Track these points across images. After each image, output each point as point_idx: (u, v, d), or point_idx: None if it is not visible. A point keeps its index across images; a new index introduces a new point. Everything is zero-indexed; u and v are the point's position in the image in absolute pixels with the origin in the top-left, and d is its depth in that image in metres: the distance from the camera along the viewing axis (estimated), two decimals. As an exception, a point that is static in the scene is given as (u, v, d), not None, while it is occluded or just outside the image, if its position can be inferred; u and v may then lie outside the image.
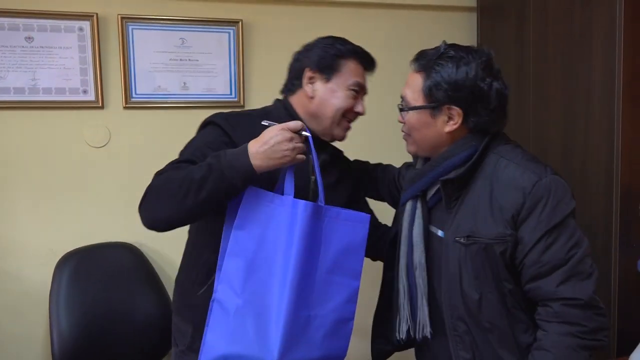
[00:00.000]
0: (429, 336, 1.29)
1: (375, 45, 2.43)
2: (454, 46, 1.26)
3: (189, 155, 1.29)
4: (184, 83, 2.22)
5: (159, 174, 1.27)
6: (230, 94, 2.28)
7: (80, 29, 2.08)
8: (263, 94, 2.33)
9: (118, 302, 1.96)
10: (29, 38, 2.04)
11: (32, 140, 2.09)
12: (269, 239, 1.24)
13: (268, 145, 1.19)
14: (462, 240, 1.21)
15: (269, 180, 1.28)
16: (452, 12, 2.54)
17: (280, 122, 1.29)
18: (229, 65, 2.26)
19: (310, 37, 2.35)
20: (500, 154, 1.23)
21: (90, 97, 2.12)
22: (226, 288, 1.24)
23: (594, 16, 1.87)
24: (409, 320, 1.32)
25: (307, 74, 1.42)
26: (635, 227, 1.82)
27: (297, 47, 2.34)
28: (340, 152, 1.63)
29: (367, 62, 1.44)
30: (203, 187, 1.17)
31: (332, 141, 1.47)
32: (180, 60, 2.20)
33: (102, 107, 2.13)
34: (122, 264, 2.03)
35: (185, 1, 2.20)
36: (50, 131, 2.09)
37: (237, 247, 1.25)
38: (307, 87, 1.42)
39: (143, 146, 2.17)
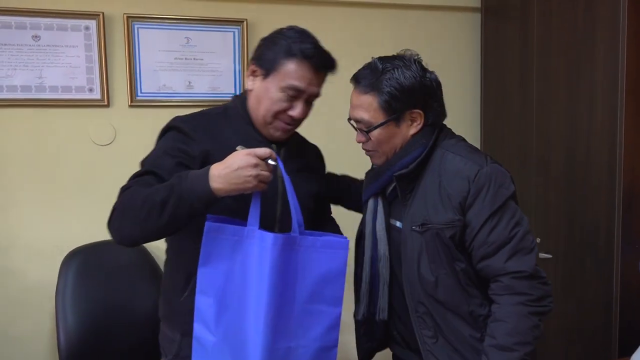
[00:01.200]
0: (385, 319, 1.42)
1: (379, 45, 2.46)
2: (384, 58, 1.36)
3: (150, 166, 1.27)
4: (189, 82, 2.24)
5: (124, 190, 1.24)
6: (235, 93, 2.29)
7: (87, 28, 2.10)
8: (267, 93, 2.35)
9: (123, 299, 1.97)
10: (36, 37, 2.06)
11: (38, 138, 2.10)
12: (237, 273, 1.22)
13: (230, 169, 1.15)
14: (417, 228, 1.32)
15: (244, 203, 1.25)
16: (456, 13, 2.54)
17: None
18: (234, 64, 2.27)
19: (315, 36, 2.37)
20: (445, 148, 1.35)
21: (96, 95, 2.13)
22: (201, 326, 1.25)
23: (597, 17, 1.88)
24: (367, 307, 1.45)
25: (251, 66, 1.38)
26: (638, 227, 1.83)
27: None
28: (307, 144, 1.59)
29: (318, 64, 1.34)
30: (164, 210, 1.15)
31: (275, 141, 1.40)
32: (185, 59, 2.21)
33: (107, 106, 2.15)
34: (127, 261, 2.04)
35: (191, 1, 2.21)
36: (56, 129, 2.11)
37: (204, 285, 1.24)
38: (248, 80, 1.38)
39: (148, 144, 2.15)
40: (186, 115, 1.38)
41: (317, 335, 1.24)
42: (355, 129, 1.40)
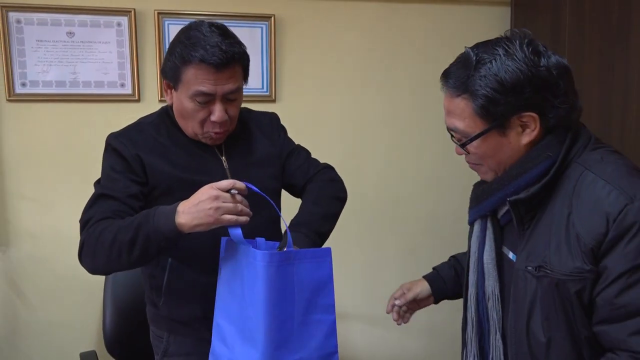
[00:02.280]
0: None
1: (407, 41, 2.45)
2: (480, 47, 1.05)
3: (104, 189, 1.28)
4: (217, 77, 2.26)
5: (85, 223, 1.26)
6: (262, 89, 2.31)
7: (119, 24, 2.14)
8: (294, 88, 2.36)
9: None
10: (70, 33, 2.11)
11: (72, 132, 2.16)
12: (245, 294, 1.23)
13: (192, 204, 1.13)
14: (532, 270, 1.02)
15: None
16: (485, 7, 2.51)
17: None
18: (261, 60, 2.29)
19: (342, 32, 2.38)
20: (586, 165, 1.01)
21: (127, 90, 2.18)
22: (218, 342, 1.28)
23: (633, 11, 1.83)
24: (476, 357, 1.18)
25: (164, 82, 1.35)
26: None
27: (328, 42, 2.37)
28: (252, 123, 1.49)
29: (216, 63, 1.23)
30: (134, 249, 1.16)
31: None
32: (214, 54, 2.24)
33: (138, 100, 2.20)
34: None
35: (219, -3, 2.24)
36: (88, 123, 2.17)
37: (220, 302, 1.28)
38: (167, 96, 1.35)
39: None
40: (119, 131, 1.37)
41: (317, 344, 1.25)
42: (454, 141, 1.12)
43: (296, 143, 1.57)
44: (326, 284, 1.26)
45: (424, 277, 1.40)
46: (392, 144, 2.47)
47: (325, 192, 1.46)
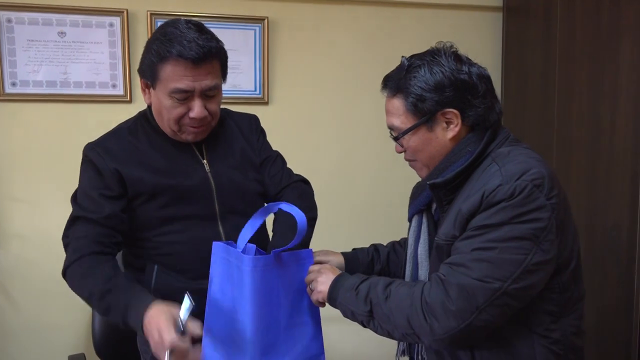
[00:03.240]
0: (426, 358, 1.26)
1: (400, 44, 2.45)
2: (414, 56, 1.23)
3: (82, 211, 1.29)
4: (210, 79, 2.26)
5: (66, 245, 1.29)
6: (255, 91, 2.31)
7: (111, 25, 2.13)
8: (288, 90, 2.36)
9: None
10: (62, 33, 2.10)
11: (62, 133, 2.15)
12: (235, 297, 1.22)
13: (152, 334, 1.12)
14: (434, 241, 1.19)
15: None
16: (477, 12, 2.53)
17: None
18: (254, 62, 2.29)
19: (335, 35, 2.39)
20: (494, 158, 1.15)
21: (119, 91, 2.17)
22: (208, 340, 1.25)
23: (622, 15, 1.85)
24: (405, 343, 1.31)
25: (141, 81, 1.34)
26: (660, 231, 1.80)
27: (322, 44, 2.38)
28: (233, 125, 1.47)
29: (193, 58, 1.22)
30: (104, 314, 1.23)
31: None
32: (207, 56, 2.23)
33: (130, 102, 2.18)
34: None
35: (213, -2, 2.24)
36: (80, 124, 2.15)
37: (211, 303, 1.25)
38: (144, 96, 1.34)
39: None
40: (96, 140, 1.36)
41: (303, 347, 1.26)
42: (392, 138, 1.26)
43: (274, 149, 1.55)
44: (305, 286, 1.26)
45: (342, 253, 1.46)
46: (384, 146, 2.46)
47: (304, 202, 1.43)
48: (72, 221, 1.30)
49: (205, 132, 1.35)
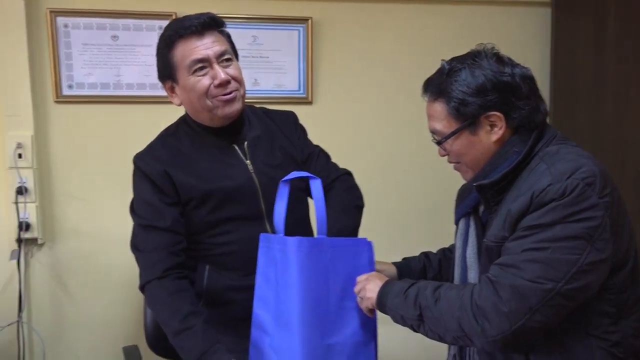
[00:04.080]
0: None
1: (443, 42, 2.43)
2: (454, 59, 1.22)
3: (149, 220, 1.35)
4: (255, 79, 2.30)
5: (136, 249, 1.37)
6: (299, 90, 2.34)
7: (160, 28, 2.18)
8: (331, 90, 2.38)
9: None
10: (115, 37, 2.18)
11: (115, 133, 2.23)
12: (277, 279, 1.28)
13: None
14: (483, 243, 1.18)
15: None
16: (525, 8, 2.47)
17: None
18: (298, 62, 2.32)
19: (379, 34, 2.39)
20: (542, 157, 1.13)
21: (168, 92, 2.24)
22: (257, 331, 1.32)
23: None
24: (456, 348, 1.31)
25: (165, 87, 1.41)
26: None
27: (365, 44, 2.38)
28: (272, 122, 1.52)
29: (195, 29, 1.30)
30: (176, 348, 1.30)
31: (230, 120, 1.39)
32: (252, 57, 2.27)
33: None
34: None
35: (257, 0, 2.27)
36: (131, 124, 2.23)
37: (258, 292, 1.32)
38: (174, 99, 1.41)
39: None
40: (143, 151, 1.43)
41: (353, 331, 1.29)
42: (435, 142, 1.27)
43: (315, 144, 1.58)
44: (363, 272, 1.29)
45: (393, 263, 1.47)
46: (429, 147, 2.45)
47: (347, 202, 1.48)
48: (140, 231, 1.37)
49: (238, 102, 1.37)
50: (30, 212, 2.14)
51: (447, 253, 1.49)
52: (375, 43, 2.39)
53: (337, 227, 1.38)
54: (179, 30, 1.30)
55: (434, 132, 1.24)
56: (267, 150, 1.45)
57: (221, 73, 1.32)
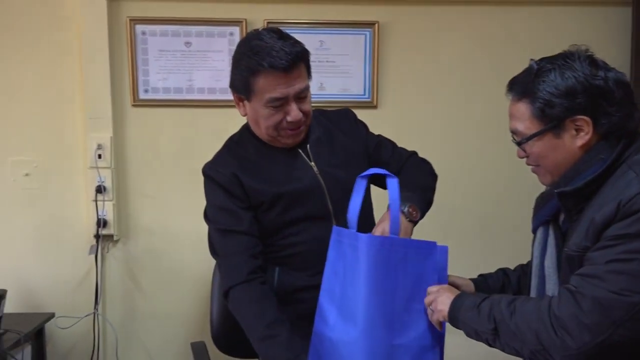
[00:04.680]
0: None
1: (512, 45, 2.36)
2: (544, 59, 1.17)
3: (227, 225, 1.38)
4: (321, 84, 2.32)
5: (214, 253, 1.41)
6: (365, 95, 2.34)
7: (231, 34, 2.27)
8: (397, 94, 2.37)
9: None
10: (188, 43, 2.27)
11: (187, 135, 2.32)
12: (345, 274, 1.28)
13: None
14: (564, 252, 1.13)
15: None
16: (603, 8, 2.36)
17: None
18: (364, 66, 2.32)
19: (446, 36, 2.35)
20: (631, 165, 1.08)
21: (237, 96, 2.30)
22: (320, 322, 1.32)
23: None
24: None
25: (234, 96, 1.41)
26: None
27: (432, 47, 2.35)
28: (330, 122, 1.52)
29: (284, 66, 1.27)
30: (261, 354, 1.32)
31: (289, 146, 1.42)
32: (319, 61, 2.30)
33: (246, 106, 2.31)
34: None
35: (325, 4, 2.30)
36: (202, 126, 2.31)
37: (325, 284, 1.32)
38: (240, 109, 1.41)
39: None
40: (212, 161, 1.46)
41: (419, 334, 1.26)
42: (515, 143, 1.23)
43: (377, 134, 1.59)
44: (432, 276, 1.27)
45: (471, 279, 1.42)
46: (497, 149, 2.39)
47: (424, 170, 1.53)
48: (217, 236, 1.40)
49: (302, 133, 1.41)
50: (108, 210, 2.26)
51: (525, 269, 1.42)
52: (443, 46, 2.35)
53: (413, 186, 1.39)
54: (270, 61, 1.27)
55: (514, 132, 1.20)
56: (328, 150, 1.46)
57: (296, 112, 1.33)
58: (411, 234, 1.34)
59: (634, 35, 2.32)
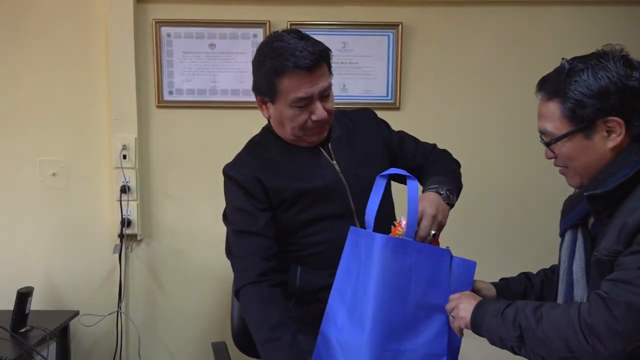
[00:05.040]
0: None
1: (537, 47, 2.32)
2: (576, 58, 1.14)
3: (242, 226, 1.38)
4: (344, 85, 2.32)
5: (230, 254, 1.41)
6: (387, 96, 2.33)
7: (254, 36, 2.28)
8: (419, 96, 2.35)
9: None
10: (212, 45, 2.29)
11: (210, 136, 2.34)
12: (359, 274, 1.27)
13: None
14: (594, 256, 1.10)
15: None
16: (631, 7, 2.31)
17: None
18: (387, 68, 2.31)
19: (470, 38, 2.33)
20: None
21: (260, 97, 2.31)
22: (328, 321, 1.31)
23: None
24: None
25: (257, 98, 1.41)
26: None
27: (456, 48, 2.33)
28: (351, 120, 1.54)
29: (309, 65, 1.28)
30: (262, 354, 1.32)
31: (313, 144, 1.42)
32: (342, 63, 2.30)
33: (269, 107, 2.32)
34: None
35: (348, 6, 2.30)
36: (225, 128, 2.33)
37: (338, 283, 1.32)
38: (263, 111, 1.41)
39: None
40: (233, 161, 1.46)
41: (426, 341, 1.24)
42: (543, 143, 1.20)
43: (398, 130, 1.60)
44: (442, 282, 1.25)
45: (492, 283, 1.39)
46: (520, 151, 2.36)
47: (450, 158, 1.57)
48: (233, 236, 1.41)
49: (325, 131, 1.42)
50: (132, 210, 2.29)
51: (548, 274, 1.40)
52: (468, 47, 2.33)
53: (445, 171, 1.42)
54: (294, 61, 1.29)
55: (543, 132, 1.18)
56: (349, 149, 1.47)
57: (321, 110, 1.34)
58: (447, 216, 1.33)
59: (664, 36, 2.27)
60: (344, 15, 2.29)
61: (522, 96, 2.31)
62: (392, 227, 1.30)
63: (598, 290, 1.04)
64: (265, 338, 1.31)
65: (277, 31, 1.41)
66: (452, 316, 1.22)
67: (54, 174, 2.33)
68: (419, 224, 1.26)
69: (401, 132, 1.59)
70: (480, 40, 2.33)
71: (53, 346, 2.11)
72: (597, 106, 1.08)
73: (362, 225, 1.36)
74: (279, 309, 1.35)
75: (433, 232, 1.27)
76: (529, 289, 1.39)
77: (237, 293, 1.40)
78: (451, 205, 1.35)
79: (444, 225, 1.31)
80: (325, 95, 1.36)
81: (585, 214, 1.18)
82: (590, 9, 2.32)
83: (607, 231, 1.09)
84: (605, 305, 1.01)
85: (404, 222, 1.27)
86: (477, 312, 1.16)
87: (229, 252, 1.43)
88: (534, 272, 1.44)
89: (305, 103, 1.33)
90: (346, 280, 1.30)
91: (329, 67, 1.38)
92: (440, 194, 1.32)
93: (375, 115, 1.59)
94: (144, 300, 2.39)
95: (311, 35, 1.37)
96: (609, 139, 1.10)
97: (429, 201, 1.30)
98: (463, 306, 1.19)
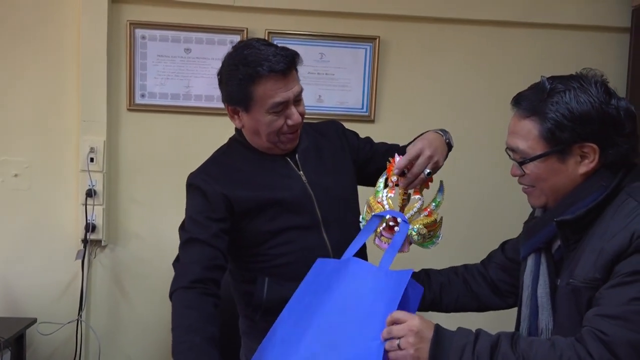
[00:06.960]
0: None
1: (514, 66, 2.37)
2: (556, 78, 1.11)
3: (191, 233, 1.33)
4: (319, 96, 2.32)
5: (175, 260, 1.36)
6: (362, 109, 2.34)
7: (231, 42, 2.25)
8: (394, 109, 2.37)
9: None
10: (187, 49, 2.26)
11: (182, 142, 2.30)
12: (314, 299, 1.24)
13: None
14: (568, 285, 1.07)
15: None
16: (601, 33, 2.39)
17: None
18: (363, 80, 2.32)
19: (446, 55, 2.36)
20: (630, 193, 1.06)
21: (234, 105, 2.29)
22: (267, 338, 1.26)
23: None
24: None
25: (228, 108, 1.39)
26: None
27: (432, 64, 2.36)
28: (319, 132, 1.52)
29: (283, 69, 1.28)
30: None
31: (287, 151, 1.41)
32: (318, 74, 2.30)
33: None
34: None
35: (327, 17, 2.30)
36: (197, 134, 2.29)
37: (289, 307, 1.27)
38: (235, 122, 1.40)
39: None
40: (198, 169, 1.43)
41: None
42: (512, 159, 1.17)
43: (365, 137, 1.61)
44: (388, 308, 1.13)
45: (415, 272, 1.36)
46: (493, 167, 2.39)
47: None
48: (182, 245, 1.37)
49: (298, 137, 1.41)
50: (97, 215, 2.22)
51: (452, 276, 1.38)
52: (443, 64, 2.36)
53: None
54: (269, 66, 1.28)
55: (514, 150, 1.14)
56: (316, 159, 1.46)
57: (297, 115, 1.34)
58: (445, 157, 1.37)
59: (630, 62, 2.34)
60: (323, 26, 2.30)
61: (494, 112, 2.37)
62: (388, 163, 1.30)
63: (592, 328, 1.00)
64: (177, 341, 1.24)
65: (243, 40, 1.40)
66: (398, 346, 1.05)
67: (16, 175, 2.24)
68: (415, 161, 1.27)
69: (367, 138, 1.60)
70: (455, 57, 2.37)
71: (7, 355, 2.02)
72: (576, 130, 1.07)
73: (330, 236, 1.37)
74: (201, 314, 1.27)
75: (428, 170, 1.27)
76: (426, 286, 1.35)
77: (170, 297, 1.34)
78: (450, 147, 1.39)
79: (441, 166, 1.33)
80: (298, 99, 1.36)
81: (550, 238, 1.16)
82: (560, 32, 2.38)
83: (578, 257, 1.07)
84: (604, 346, 0.97)
85: (397, 158, 1.27)
86: (435, 348, 1.03)
87: (176, 260, 1.38)
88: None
89: (281, 108, 1.32)
90: (299, 305, 1.26)
91: (297, 71, 1.39)
92: (440, 134, 1.36)
93: (343, 127, 1.59)
94: (106, 308, 2.32)
95: (289, 45, 1.38)
96: (582, 164, 1.09)
97: (429, 141, 1.32)
98: (412, 341, 1.03)
